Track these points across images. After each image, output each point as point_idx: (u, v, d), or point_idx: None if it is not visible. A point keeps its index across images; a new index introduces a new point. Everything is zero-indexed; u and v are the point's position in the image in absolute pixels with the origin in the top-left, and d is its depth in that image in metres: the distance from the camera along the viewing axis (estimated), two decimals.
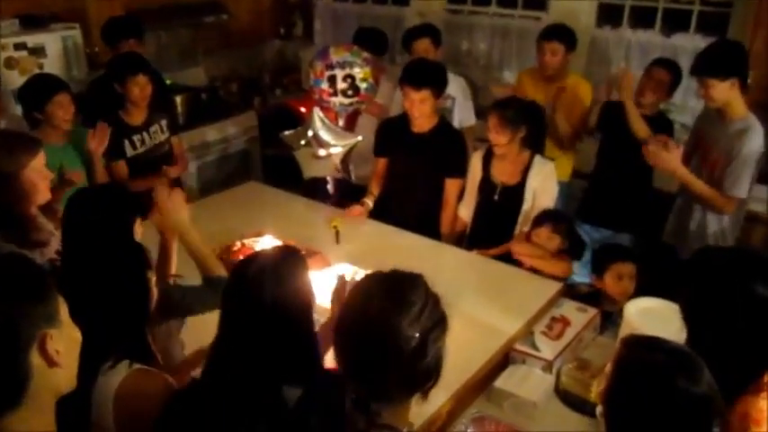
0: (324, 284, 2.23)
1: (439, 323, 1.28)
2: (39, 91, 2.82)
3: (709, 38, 3.57)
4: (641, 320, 2.15)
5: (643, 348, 1.32)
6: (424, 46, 3.51)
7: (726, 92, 2.63)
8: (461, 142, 3.13)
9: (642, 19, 3.86)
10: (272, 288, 1.40)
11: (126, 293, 1.55)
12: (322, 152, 3.21)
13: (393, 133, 3.16)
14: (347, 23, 5.19)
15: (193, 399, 1.41)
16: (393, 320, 1.23)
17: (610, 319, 2.57)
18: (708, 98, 2.68)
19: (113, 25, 3.50)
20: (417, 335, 1.23)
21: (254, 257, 1.51)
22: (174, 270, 2.09)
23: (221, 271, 1.95)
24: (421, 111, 2.93)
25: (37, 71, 3.44)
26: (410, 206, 3.11)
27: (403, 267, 2.32)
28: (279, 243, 2.66)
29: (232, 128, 4.70)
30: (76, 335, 1.17)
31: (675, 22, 3.74)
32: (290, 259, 1.50)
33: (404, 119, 3.08)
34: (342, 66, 3.16)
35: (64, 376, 1.13)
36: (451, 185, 3.08)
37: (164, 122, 3.29)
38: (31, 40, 3.54)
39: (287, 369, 1.40)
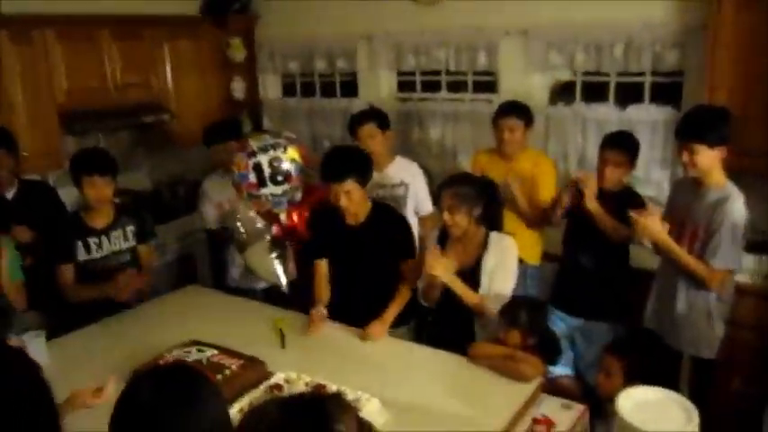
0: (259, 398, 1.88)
1: None
2: None
3: (664, 108, 3.52)
4: (638, 414, 1.85)
5: None
6: (368, 130, 3.34)
7: (712, 159, 2.48)
8: (401, 222, 2.90)
9: (595, 94, 3.79)
10: None
11: None
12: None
13: (327, 230, 2.89)
14: (296, 119, 5.08)
15: None
16: None
17: (598, 412, 2.26)
18: (692, 165, 2.51)
19: None
20: None
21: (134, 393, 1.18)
22: None
23: None
24: (350, 202, 2.69)
25: None
26: (364, 304, 2.77)
27: (359, 371, 2.01)
28: (212, 353, 2.32)
29: (177, 232, 4.44)
30: None
31: (629, 95, 3.67)
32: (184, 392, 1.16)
33: (335, 213, 2.78)
34: (264, 150, 2.84)
35: None
36: (406, 266, 2.80)
37: (130, 228, 3.02)
38: None
39: None
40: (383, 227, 2.78)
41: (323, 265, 2.92)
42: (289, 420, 0.96)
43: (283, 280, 3.02)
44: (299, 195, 2.96)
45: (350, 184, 2.64)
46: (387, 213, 2.87)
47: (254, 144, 2.86)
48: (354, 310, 2.77)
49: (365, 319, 2.70)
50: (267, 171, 2.80)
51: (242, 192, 2.89)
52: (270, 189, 2.83)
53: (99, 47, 4.11)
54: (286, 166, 2.82)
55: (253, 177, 2.82)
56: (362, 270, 2.81)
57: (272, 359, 2.36)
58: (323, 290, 2.89)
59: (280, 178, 2.81)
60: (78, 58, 3.99)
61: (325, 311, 2.79)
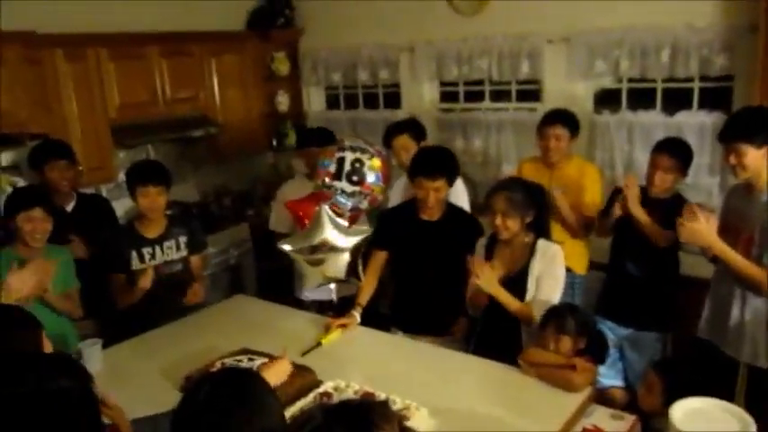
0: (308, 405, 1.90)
1: None
2: (14, 202, 2.74)
3: (714, 113, 3.44)
4: (692, 424, 1.81)
5: None
6: (402, 142, 3.38)
7: (760, 160, 2.40)
8: (475, 225, 2.92)
9: (642, 100, 3.73)
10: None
11: None
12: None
13: (398, 222, 2.96)
14: (340, 131, 5.10)
15: None
16: None
17: (649, 425, 2.21)
18: (740, 167, 2.43)
19: (39, 149, 3.35)
20: None
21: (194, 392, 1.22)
22: None
23: None
24: (436, 199, 2.77)
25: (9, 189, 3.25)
26: (424, 302, 2.87)
27: (408, 379, 2.01)
28: (262, 361, 2.35)
29: (224, 242, 4.53)
30: None
31: (677, 101, 3.60)
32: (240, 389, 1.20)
33: (409, 207, 2.91)
34: (353, 149, 3.05)
35: None
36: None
37: (183, 239, 3.10)
38: (5, 158, 3.40)
39: None
40: (457, 226, 2.86)
41: (380, 257, 3.00)
42: (331, 425, 0.99)
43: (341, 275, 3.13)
44: (364, 204, 3.09)
45: (440, 183, 2.74)
46: (462, 214, 2.97)
47: (347, 142, 3.11)
48: (413, 307, 2.88)
49: (421, 320, 2.79)
50: (347, 168, 3.00)
51: (320, 178, 3.07)
52: (342, 184, 3.03)
53: (149, 63, 4.25)
54: (365, 170, 2.99)
55: (333, 168, 3.03)
56: (429, 264, 2.85)
57: (322, 367, 2.37)
58: (368, 285, 2.97)
59: (355, 178, 3.01)
60: (129, 75, 4.13)
61: (357, 317, 2.85)
